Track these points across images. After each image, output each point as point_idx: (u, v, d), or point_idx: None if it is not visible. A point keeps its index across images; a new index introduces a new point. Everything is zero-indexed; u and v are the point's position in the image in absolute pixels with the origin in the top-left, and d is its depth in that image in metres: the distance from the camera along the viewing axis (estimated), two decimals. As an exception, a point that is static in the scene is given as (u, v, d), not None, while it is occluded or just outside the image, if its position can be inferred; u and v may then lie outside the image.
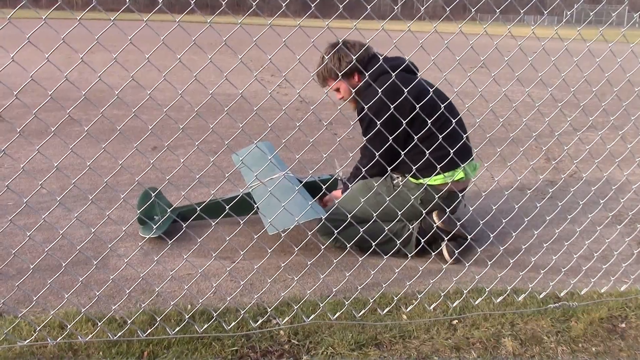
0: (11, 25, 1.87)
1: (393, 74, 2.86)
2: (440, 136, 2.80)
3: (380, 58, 2.96)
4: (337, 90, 3.34)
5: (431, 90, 2.81)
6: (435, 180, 3.16)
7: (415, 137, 2.84)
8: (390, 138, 2.80)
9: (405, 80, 2.91)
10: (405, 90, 2.69)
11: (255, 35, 2.03)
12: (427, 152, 2.76)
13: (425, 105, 2.84)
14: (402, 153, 2.81)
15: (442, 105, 2.77)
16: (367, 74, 3.13)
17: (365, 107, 2.91)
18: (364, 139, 3.19)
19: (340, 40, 2.86)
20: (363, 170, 3.01)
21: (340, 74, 3.17)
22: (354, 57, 3.15)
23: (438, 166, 2.79)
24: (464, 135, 3.03)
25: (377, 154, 2.82)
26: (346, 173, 3.62)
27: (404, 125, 2.83)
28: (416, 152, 2.93)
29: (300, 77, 10.81)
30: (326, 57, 3.21)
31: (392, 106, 2.67)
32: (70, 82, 2.01)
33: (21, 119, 6.39)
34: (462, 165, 3.11)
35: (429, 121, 2.88)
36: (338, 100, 3.35)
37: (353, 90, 3.24)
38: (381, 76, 3.10)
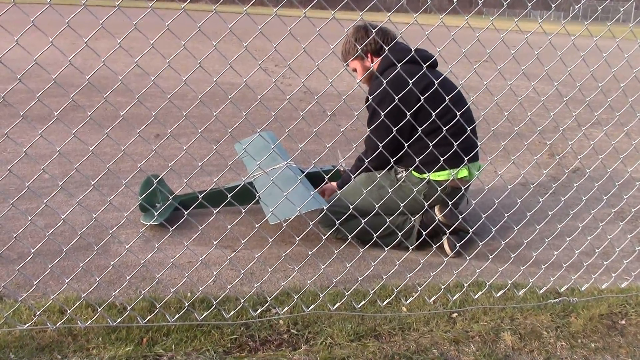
0: (16, 9, 1.86)
1: (399, 65, 2.83)
2: (444, 129, 2.79)
3: (396, 47, 2.97)
4: (355, 70, 3.39)
5: (435, 83, 2.79)
6: (438, 175, 3.15)
7: (420, 129, 2.82)
8: (394, 129, 2.79)
9: (414, 73, 2.86)
10: (410, 82, 2.68)
11: (261, 24, 2.02)
12: (430, 145, 2.75)
13: (433, 99, 2.80)
14: (406, 145, 2.80)
15: (447, 98, 2.74)
16: (372, 64, 3.14)
17: (370, 96, 2.91)
18: (368, 129, 3.19)
19: (362, 23, 2.88)
20: (366, 161, 3.00)
21: (352, 57, 3.27)
22: (363, 42, 3.19)
23: (442, 160, 2.78)
24: (471, 135, 3.02)
25: (380, 145, 2.81)
26: (349, 164, 3.61)
27: (408, 116, 2.81)
28: (421, 146, 2.92)
29: (304, 67, 10.78)
30: (347, 38, 3.27)
31: (396, 97, 2.66)
32: (74, 67, 2.00)
33: (25, 104, 6.39)
34: (466, 162, 3.09)
35: (434, 114, 2.85)
36: (358, 79, 3.37)
37: (357, 79, 3.24)
38: (391, 67, 3.07)
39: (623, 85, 2.70)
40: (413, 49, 2.92)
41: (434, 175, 3.14)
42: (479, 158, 3.32)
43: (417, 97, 2.85)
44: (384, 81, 2.94)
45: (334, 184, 3.51)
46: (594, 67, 2.62)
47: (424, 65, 2.66)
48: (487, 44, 2.86)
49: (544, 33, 2.42)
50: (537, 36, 2.85)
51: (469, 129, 2.96)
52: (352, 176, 3.35)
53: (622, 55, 2.53)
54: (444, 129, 2.82)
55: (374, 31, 3.11)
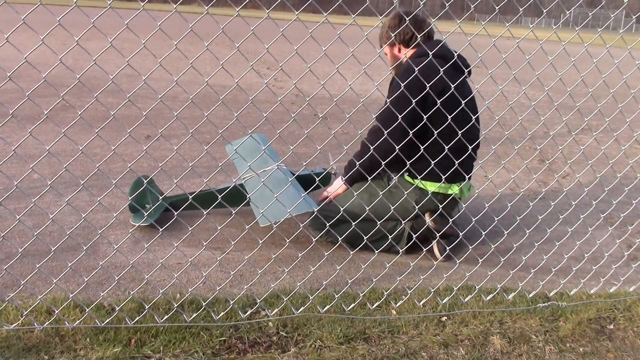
0: (7, 9, 1.85)
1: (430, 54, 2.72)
2: (443, 145, 2.75)
3: (427, 40, 3.08)
4: (387, 54, 3.40)
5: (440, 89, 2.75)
6: (429, 186, 3.14)
7: (411, 134, 2.81)
8: (400, 117, 2.70)
9: (437, 70, 2.72)
10: (425, 83, 2.65)
11: (253, 26, 2.01)
12: (422, 150, 2.74)
13: (448, 104, 2.74)
14: (397, 148, 2.78)
15: (445, 115, 2.70)
16: (400, 53, 3.24)
17: (395, 82, 2.88)
18: (379, 115, 3.06)
19: (400, 12, 3.02)
20: (371, 149, 2.92)
21: (383, 43, 3.33)
22: (394, 31, 3.21)
23: (433, 168, 2.77)
24: (472, 154, 3.04)
25: (386, 129, 2.77)
26: (340, 167, 3.60)
27: (412, 104, 2.70)
28: (420, 150, 2.86)
29: (296, 70, 10.79)
30: (383, 24, 3.29)
31: (410, 96, 2.65)
32: (65, 67, 1.99)
33: (14, 103, 6.34)
34: (461, 177, 3.05)
35: (449, 117, 2.74)
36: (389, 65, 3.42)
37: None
38: (418, 58, 3.06)
39: (613, 91, 2.71)
40: (432, 45, 2.92)
41: (425, 184, 3.12)
42: (471, 177, 3.31)
43: (432, 98, 2.80)
44: (415, 68, 2.79)
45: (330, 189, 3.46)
46: (584, 74, 2.63)
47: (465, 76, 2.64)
48: (478, 49, 2.87)
49: (535, 39, 2.43)
50: (528, 42, 2.86)
51: (470, 147, 2.96)
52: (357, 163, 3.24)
53: (612, 61, 2.55)
54: (449, 139, 2.77)
55: (407, 20, 3.06)
